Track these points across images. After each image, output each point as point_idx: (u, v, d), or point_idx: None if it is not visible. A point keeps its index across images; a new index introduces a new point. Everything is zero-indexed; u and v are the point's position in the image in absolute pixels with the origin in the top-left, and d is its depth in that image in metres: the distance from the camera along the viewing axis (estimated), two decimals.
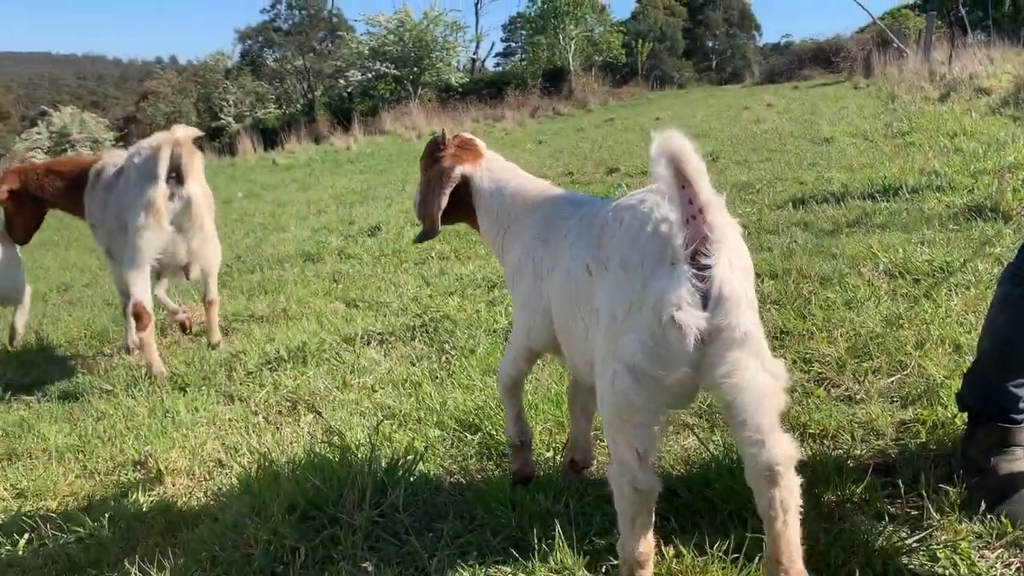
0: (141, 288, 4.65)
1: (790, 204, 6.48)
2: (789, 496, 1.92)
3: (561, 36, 33.85)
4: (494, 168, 2.70)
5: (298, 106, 36.94)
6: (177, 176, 4.54)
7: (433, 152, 2.72)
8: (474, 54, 39.13)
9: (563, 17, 33.78)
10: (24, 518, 3.13)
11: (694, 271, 1.81)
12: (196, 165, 4.66)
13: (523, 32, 40.19)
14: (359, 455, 2.82)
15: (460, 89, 32.24)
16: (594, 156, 12.23)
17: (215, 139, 31.60)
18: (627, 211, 2.01)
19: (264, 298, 6.13)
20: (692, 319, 1.80)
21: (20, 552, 2.90)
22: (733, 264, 1.86)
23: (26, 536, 2.99)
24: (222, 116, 36.28)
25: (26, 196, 5.31)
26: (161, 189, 4.48)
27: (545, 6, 34.57)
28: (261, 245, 8.87)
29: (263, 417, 3.87)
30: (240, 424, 3.83)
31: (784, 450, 1.92)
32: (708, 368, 1.89)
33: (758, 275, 4.64)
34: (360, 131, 24.77)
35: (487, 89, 32.07)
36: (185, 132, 4.58)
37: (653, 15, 44.17)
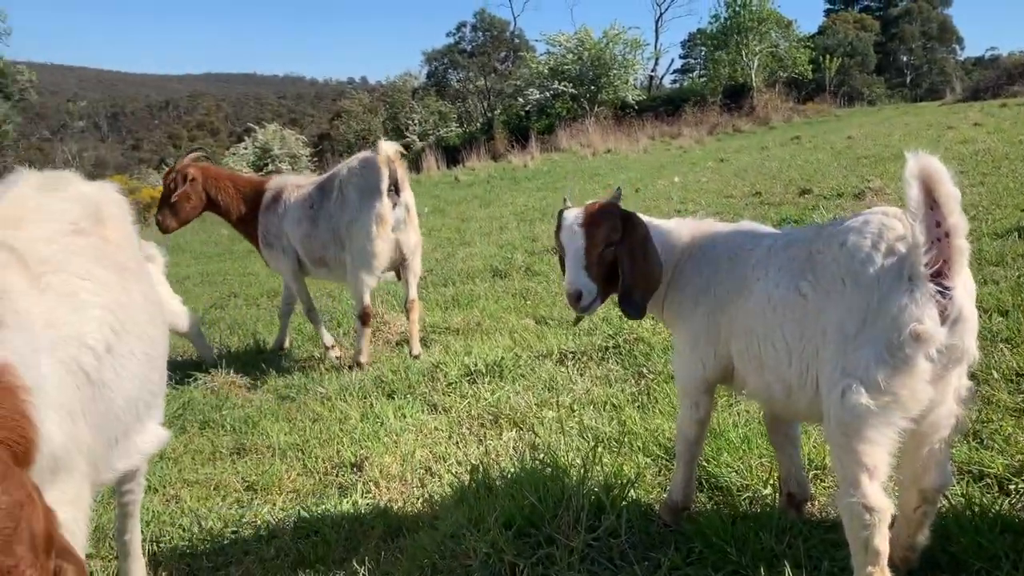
0: (369, 293, 5.25)
1: (1015, 233, 5.96)
2: None
3: (744, 52, 33.01)
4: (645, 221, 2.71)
5: (478, 124, 38.08)
6: (395, 188, 4.96)
7: (612, 216, 2.63)
8: (652, 71, 38.92)
9: (747, 33, 32.93)
10: (256, 510, 3.39)
11: (937, 289, 1.90)
12: (406, 175, 5.17)
13: (703, 48, 39.52)
14: (572, 475, 2.84)
15: (636, 106, 32.11)
16: (783, 176, 11.80)
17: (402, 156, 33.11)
18: (849, 233, 2.06)
19: (459, 311, 6.34)
20: (934, 333, 1.89)
21: (255, 542, 3.14)
22: (967, 288, 1.96)
23: (259, 527, 3.23)
24: (407, 134, 37.93)
25: (199, 191, 5.83)
26: (387, 203, 4.98)
27: (728, 22, 33.85)
28: (450, 259, 9.17)
29: (467, 428, 4.00)
30: (445, 433, 3.97)
31: (950, 472, 2.17)
32: (936, 385, 1.97)
33: (984, 310, 4.30)
34: (537, 148, 25.17)
35: (664, 106, 31.78)
36: (394, 148, 5.01)
37: (842, 29, 42.18)
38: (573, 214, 2.65)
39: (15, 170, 2.30)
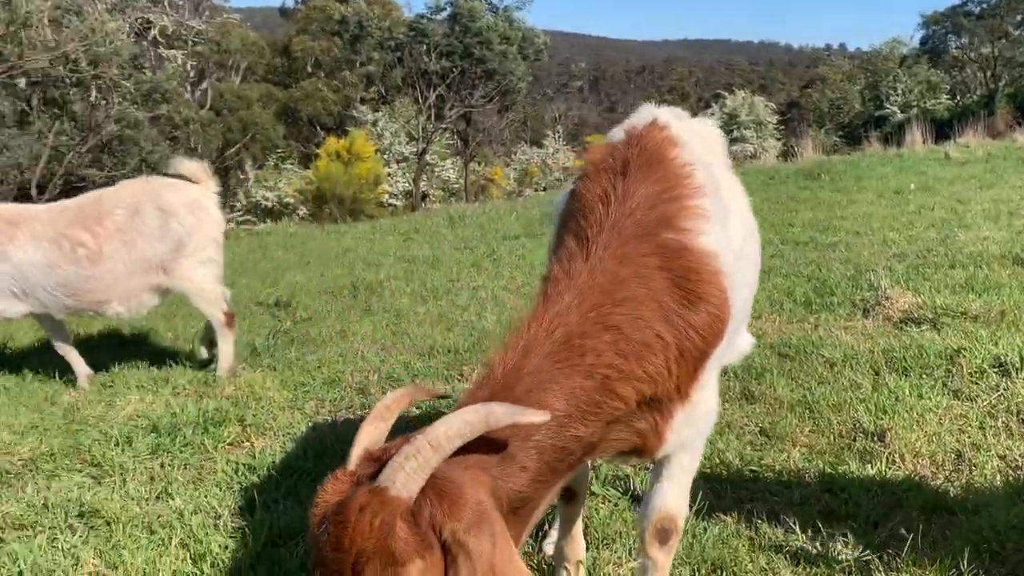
0: None
1: None
2: None
3: None
4: None
5: (975, 97, 33.75)
6: None
7: None
8: None
9: None
10: (773, 456, 3.49)
11: None
12: None
13: None
14: None
15: None
16: None
17: (878, 128, 30.84)
18: None
19: (974, 297, 5.74)
20: None
21: (776, 485, 3.23)
22: None
23: (779, 473, 3.31)
24: (887, 105, 35.11)
25: None
26: None
27: None
28: (948, 241, 8.33)
29: (1002, 422, 3.63)
30: (974, 422, 3.65)
31: None
32: None
33: None
34: None
35: None
36: None
37: None
38: None
39: (641, 105, 2.59)
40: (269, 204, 27.01)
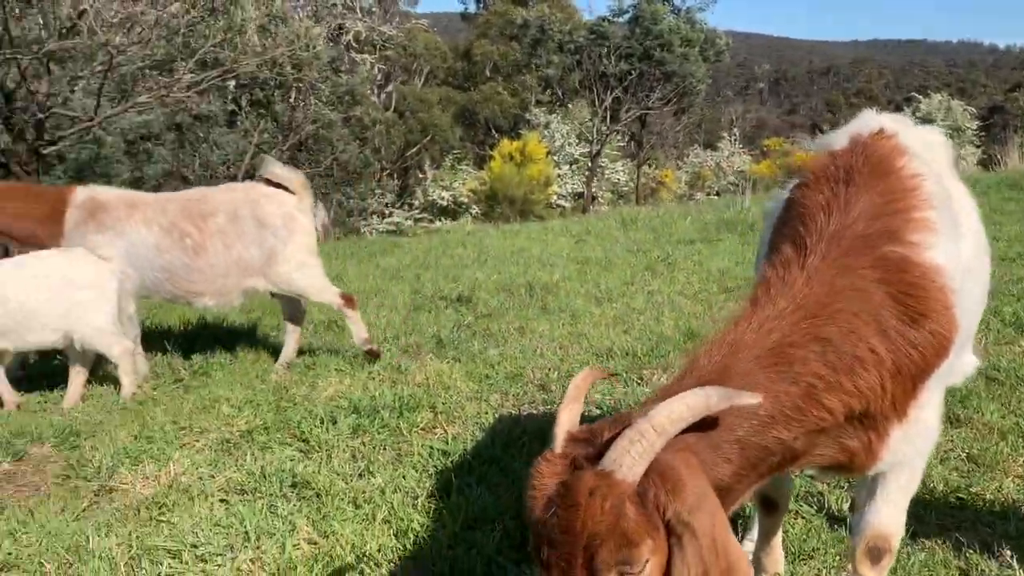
0: None
1: None
2: None
3: None
4: None
5: None
6: None
7: None
8: None
9: None
10: (983, 485, 3.28)
11: None
12: None
13: None
14: None
15: None
16: None
17: None
18: None
19: None
20: None
21: (987, 515, 3.04)
22: None
23: (988, 502, 3.12)
24: None
25: None
26: None
27: None
28: None
29: None
30: None
31: None
32: None
33: None
34: None
35: None
36: None
37: None
38: None
39: (861, 112, 2.52)
40: (444, 203, 27.98)
